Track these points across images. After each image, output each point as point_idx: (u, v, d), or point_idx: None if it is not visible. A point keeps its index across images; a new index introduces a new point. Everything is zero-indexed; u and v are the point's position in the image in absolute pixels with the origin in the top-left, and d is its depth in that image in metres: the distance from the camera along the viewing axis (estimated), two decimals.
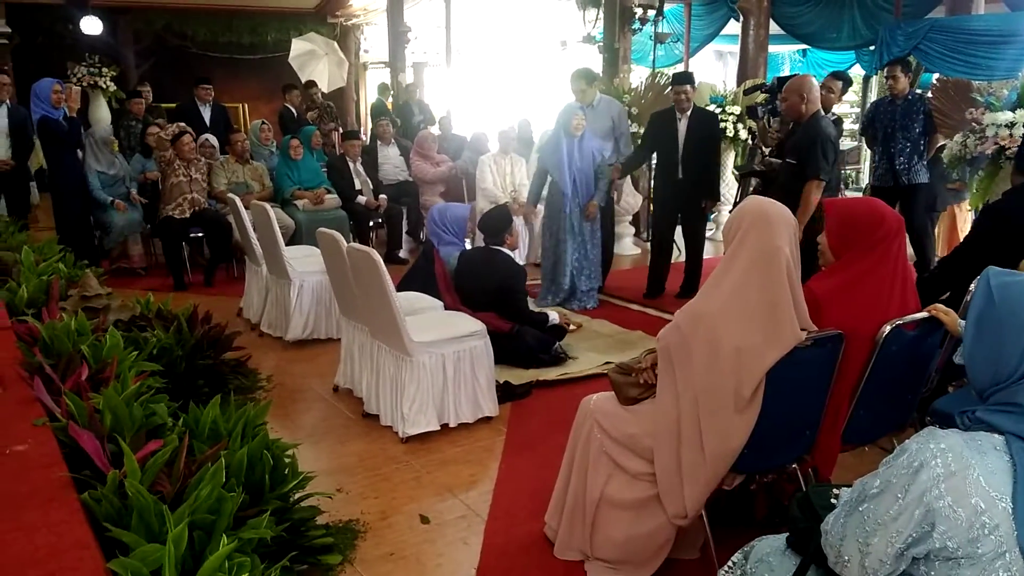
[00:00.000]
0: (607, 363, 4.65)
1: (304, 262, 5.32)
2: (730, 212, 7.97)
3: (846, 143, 12.75)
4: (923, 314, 2.64)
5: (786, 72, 13.64)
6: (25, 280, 3.79)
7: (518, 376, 4.50)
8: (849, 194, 12.58)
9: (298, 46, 11.99)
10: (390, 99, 11.93)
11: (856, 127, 13.92)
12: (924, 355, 2.81)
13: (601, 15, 9.75)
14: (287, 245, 5.58)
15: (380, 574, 2.75)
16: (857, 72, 13.17)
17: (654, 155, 6.44)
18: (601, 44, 9.70)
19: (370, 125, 12.06)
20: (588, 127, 6.07)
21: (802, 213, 4.70)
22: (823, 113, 4.71)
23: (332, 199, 7.48)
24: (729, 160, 8.71)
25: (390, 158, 8.54)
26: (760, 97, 6.86)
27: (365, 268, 3.82)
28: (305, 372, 4.81)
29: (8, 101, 6.76)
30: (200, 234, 7.02)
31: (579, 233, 6.08)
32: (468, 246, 5.44)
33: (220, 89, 9.29)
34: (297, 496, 2.64)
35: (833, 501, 1.72)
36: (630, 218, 8.51)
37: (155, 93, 9.45)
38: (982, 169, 5.56)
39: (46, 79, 6.64)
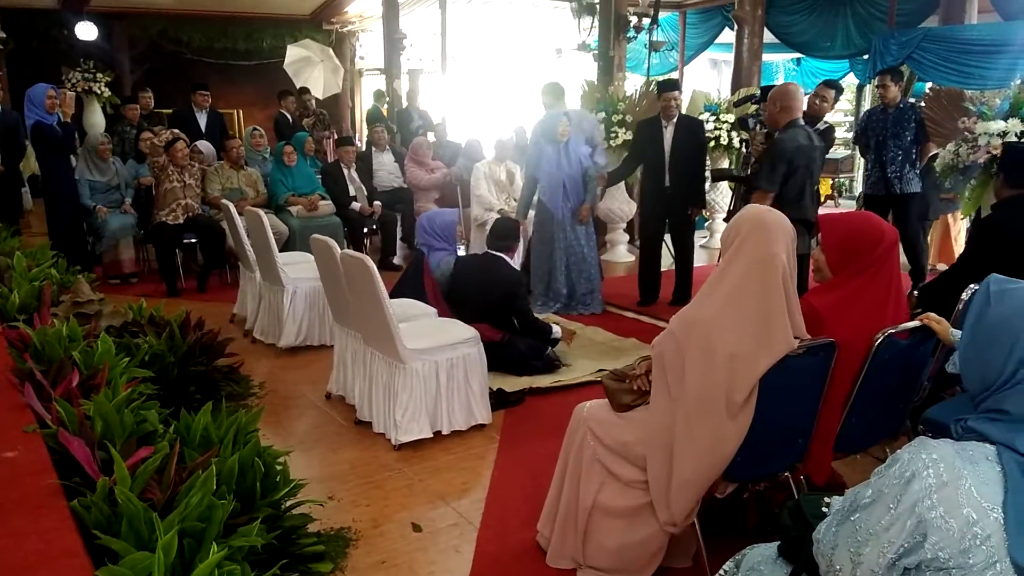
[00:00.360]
0: (601, 370, 4.65)
1: (298, 268, 5.31)
2: (724, 220, 8.06)
3: (839, 151, 12.81)
4: (915, 323, 2.64)
5: (780, 80, 13.69)
6: (17, 285, 3.76)
7: (511, 383, 4.50)
8: (843, 203, 12.66)
9: (293, 52, 11.99)
10: (386, 106, 11.93)
11: (850, 135, 13.99)
12: (916, 364, 2.82)
13: (596, 23, 9.78)
14: (281, 251, 5.57)
15: None
16: (851, 81, 13.25)
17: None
18: (596, 52, 9.73)
19: (366, 131, 12.07)
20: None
21: None
22: (800, 123, 4.69)
23: (326, 205, 7.48)
24: (723, 167, 8.73)
25: (385, 164, 8.54)
26: (751, 108, 6.89)
27: (359, 275, 3.81)
28: (298, 379, 4.80)
29: (0, 106, 6.74)
30: (193, 240, 7.01)
31: (573, 237, 6.10)
32: (461, 252, 5.44)
33: (215, 95, 9.29)
34: (288, 504, 2.62)
35: (824, 510, 1.73)
36: (624, 225, 8.53)
37: None
38: (974, 178, 5.58)
39: (40, 84, 6.62)
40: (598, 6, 9.66)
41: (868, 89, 8.50)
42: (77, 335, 3.05)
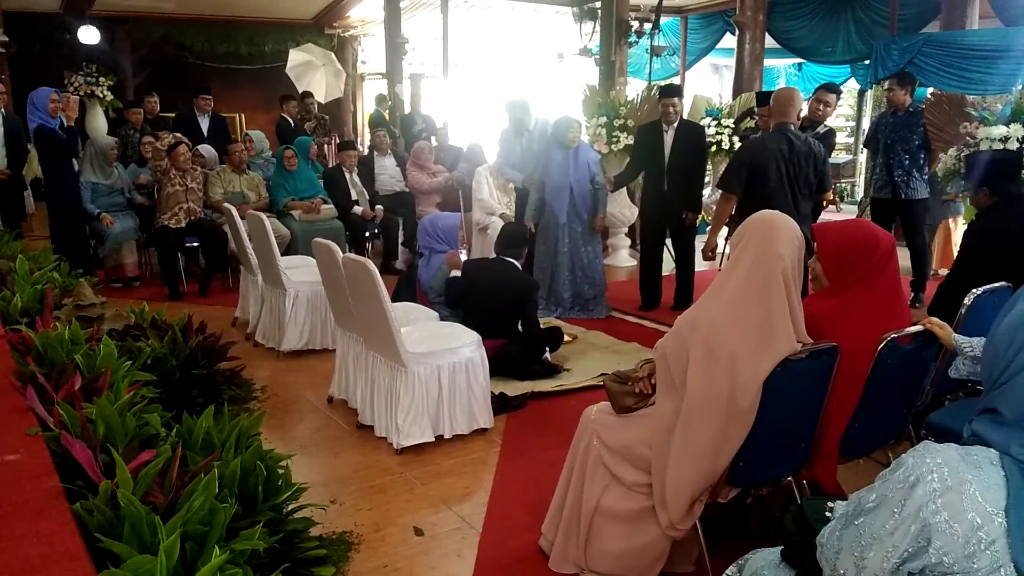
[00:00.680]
0: (602, 375, 4.65)
1: (299, 272, 5.31)
2: (708, 231, 8.06)
3: (840, 156, 12.82)
4: (918, 327, 2.64)
5: (781, 85, 13.70)
6: (19, 289, 3.77)
7: (513, 387, 4.50)
8: (845, 207, 12.66)
9: (295, 57, 12.02)
10: (388, 110, 11.95)
11: (851, 140, 14.01)
12: (919, 369, 2.82)
13: (598, 28, 9.81)
14: (283, 255, 5.57)
15: None
16: (853, 86, 13.27)
17: None
18: (597, 57, 9.75)
19: (368, 136, 12.08)
20: (524, 150, 6.25)
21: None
22: (788, 128, 4.68)
23: (328, 209, 7.48)
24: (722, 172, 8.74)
25: (386, 169, 8.55)
26: (749, 123, 6.92)
27: (361, 279, 3.81)
28: (299, 383, 4.79)
29: (3, 110, 6.75)
30: (196, 244, 7.01)
31: (579, 243, 6.11)
32: (463, 255, 5.44)
33: (217, 99, 9.31)
34: (290, 507, 2.62)
35: (828, 515, 1.72)
36: (625, 230, 8.54)
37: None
38: None
39: (43, 88, 6.63)
40: (600, 11, 9.68)
41: (869, 94, 8.51)
42: (79, 338, 3.05)
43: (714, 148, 8.25)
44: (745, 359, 2.33)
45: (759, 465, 2.52)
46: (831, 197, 5.02)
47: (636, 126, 7.82)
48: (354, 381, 4.21)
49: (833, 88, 6.22)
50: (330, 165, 8.59)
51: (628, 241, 8.65)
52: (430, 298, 4.85)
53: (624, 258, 8.46)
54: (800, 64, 14.12)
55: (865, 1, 10.29)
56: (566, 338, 5.33)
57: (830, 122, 6.53)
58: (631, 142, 7.80)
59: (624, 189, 7.69)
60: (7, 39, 8.41)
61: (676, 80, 12.83)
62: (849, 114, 14.52)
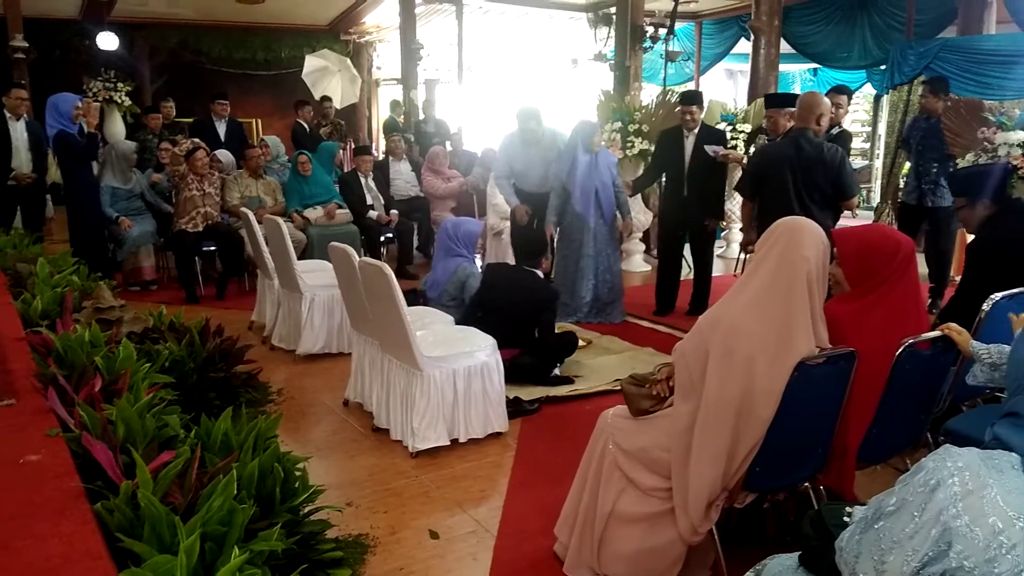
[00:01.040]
0: (617, 379, 4.64)
1: (316, 276, 5.34)
2: (740, 230, 8.04)
3: (856, 162, 12.75)
4: (936, 333, 2.63)
5: (796, 90, 13.64)
6: (39, 292, 3.81)
7: (528, 392, 4.50)
8: (861, 213, 12.57)
9: (311, 62, 12.08)
10: (402, 115, 12.00)
11: (866, 145, 13.93)
12: (937, 375, 2.81)
13: (612, 33, 9.82)
14: (299, 259, 5.60)
15: None
16: (869, 91, 13.21)
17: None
18: (612, 62, 9.75)
19: (383, 141, 12.13)
20: (538, 158, 6.24)
21: None
22: (806, 133, 4.63)
23: (344, 214, 7.52)
24: (738, 178, 8.72)
25: (402, 173, 8.59)
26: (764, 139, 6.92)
27: (377, 282, 3.83)
28: (315, 386, 4.82)
29: (26, 116, 6.83)
30: (213, 248, 7.06)
31: (604, 247, 6.13)
32: (478, 262, 5.45)
33: (234, 104, 9.37)
34: (307, 509, 2.64)
35: (846, 519, 1.71)
36: (640, 235, 8.53)
37: None
38: None
39: (67, 94, 6.71)
40: (614, 16, 9.69)
41: (885, 99, 8.47)
42: (99, 341, 3.08)
43: None
44: (762, 362, 2.33)
45: (776, 470, 2.52)
46: (855, 203, 4.91)
47: (651, 131, 7.84)
48: (370, 384, 4.22)
49: (844, 90, 6.20)
50: (345, 170, 8.63)
51: (643, 246, 8.64)
52: (443, 301, 4.86)
53: (639, 263, 8.45)
54: (815, 69, 14.05)
55: (881, 6, 10.24)
56: (580, 343, 5.33)
57: (844, 125, 6.52)
58: (646, 147, 7.81)
59: (639, 195, 7.69)
60: (27, 45, 8.48)
61: (691, 85, 12.82)
62: (865, 119, 14.44)
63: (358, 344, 4.38)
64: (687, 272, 6.60)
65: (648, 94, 10.02)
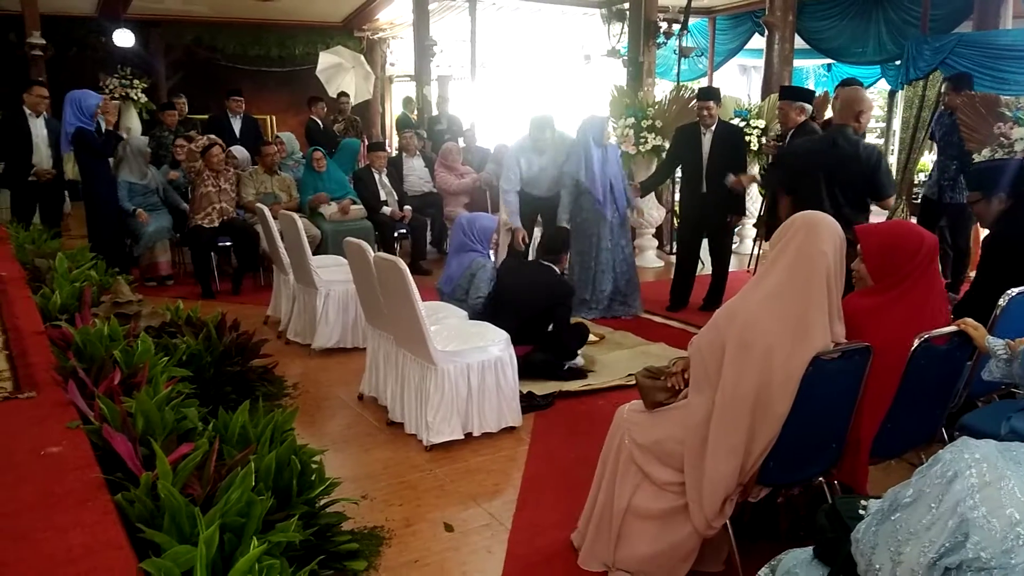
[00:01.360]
0: (630, 374, 4.65)
1: (331, 271, 5.36)
2: (754, 226, 8.02)
3: None
4: (952, 328, 2.63)
5: (810, 86, 13.57)
6: (58, 286, 3.85)
7: (541, 387, 4.51)
8: (875, 208, 12.50)
9: (325, 59, 12.11)
10: (415, 112, 12.01)
11: (880, 141, 13.83)
12: (953, 370, 2.80)
13: (626, 29, 9.80)
14: (313, 255, 5.63)
15: None
16: (883, 87, 13.11)
17: (678, 169, 6.49)
18: (625, 58, 9.73)
19: (395, 137, 12.15)
20: (549, 163, 6.29)
21: None
22: (845, 130, 4.52)
23: (358, 210, 7.55)
24: (753, 173, 8.68)
25: (415, 170, 8.61)
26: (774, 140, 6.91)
27: (391, 277, 3.85)
28: (330, 380, 4.84)
29: (46, 113, 6.89)
30: (228, 243, 7.10)
31: (619, 239, 6.15)
32: (492, 257, 5.46)
33: (248, 101, 9.41)
34: (323, 502, 2.66)
35: (861, 512, 1.72)
36: (653, 231, 8.52)
37: None
38: None
39: (88, 91, 6.76)
40: (628, 12, 9.67)
41: (900, 95, 8.40)
42: (118, 335, 3.10)
43: None
44: (779, 357, 2.33)
45: (790, 465, 2.52)
46: (892, 203, 4.80)
47: (664, 127, 7.81)
48: (384, 378, 4.25)
49: (852, 83, 6.17)
50: (360, 166, 8.66)
51: (655, 242, 8.63)
52: (457, 296, 4.87)
53: (651, 259, 8.44)
54: (830, 65, 13.97)
55: (896, 1, 10.17)
56: (593, 338, 5.33)
57: None
58: (659, 143, 7.79)
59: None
60: (44, 42, 8.55)
61: (704, 81, 12.78)
62: (879, 115, 14.34)
63: (373, 338, 4.41)
64: (701, 268, 6.59)
65: (661, 90, 9.98)
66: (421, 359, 3.88)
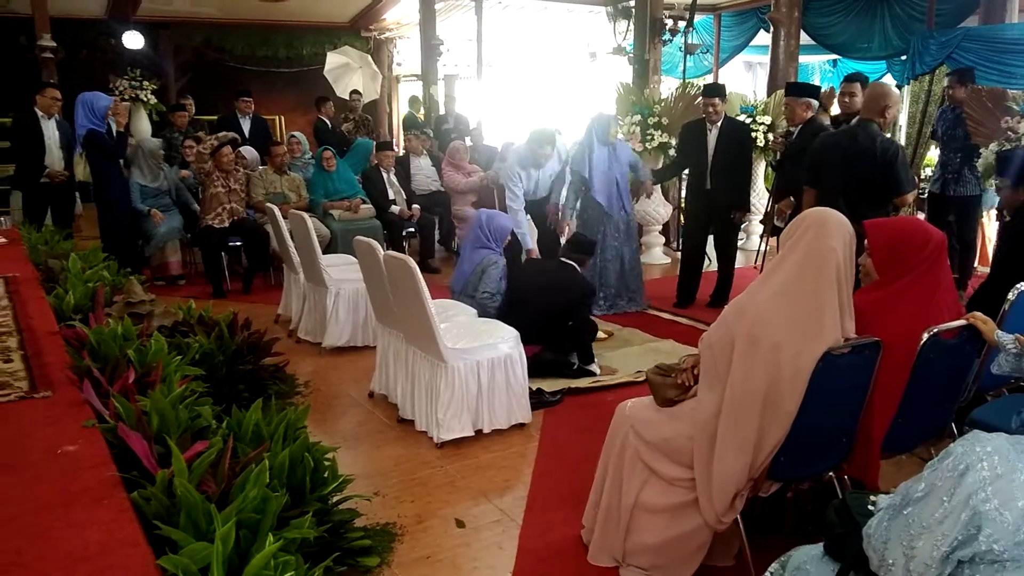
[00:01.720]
0: (638, 372, 4.67)
1: (341, 270, 5.38)
2: (760, 222, 8.01)
3: None
4: (961, 322, 2.63)
5: (816, 81, 13.52)
6: (72, 287, 3.88)
7: (550, 384, 4.52)
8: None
9: (333, 59, 12.13)
10: (421, 111, 12.03)
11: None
12: (962, 364, 2.80)
13: (631, 26, 9.79)
14: (323, 254, 5.65)
15: None
16: (889, 82, 13.05)
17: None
18: (631, 55, 9.72)
19: (402, 137, 12.16)
20: (545, 172, 6.32)
21: None
22: (870, 125, 4.46)
23: (367, 209, 7.58)
24: (760, 169, 8.68)
25: (422, 169, 8.65)
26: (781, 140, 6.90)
27: (401, 275, 3.87)
28: (341, 378, 4.87)
29: (58, 115, 6.93)
30: (238, 243, 7.13)
31: (626, 236, 6.17)
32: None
33: (257, 101, 9.45)
34: (336, 498, 2.68)
35: (870, 508, 1.72)
36: (660, 227, 8.52)
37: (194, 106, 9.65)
38: None
39: (100, 93, 6.80)
40: (633, 9, 9.66)
41: (907, 90, 8.38)
42: (131, 334, 3.13)
43: None
44: (788, 352, 2.33)
45: (801, 460, 2.53)
46: (909, 200, 4.74)
47: (671, 124, 7.82)
48: (395, 376, 4.26)
49: (855, 77, 6.12)
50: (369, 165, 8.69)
51: (662, 239, 8.63)
52: (468, 292, 4.88)
53: (658, 256, 8.44)
54: (835, 60, 13.91)
55: None
56: (601, 335, 5.34)
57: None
58: (665, 140, 7.79)
59: (658, 187, 7.69)
60: (54, 44, 8.60)
61: (710, 78, 12.75)
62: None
63: (383, 336, 4.43)
64: (707, 264, 6.59)
65: (667, 87, 9.97)
66: (431, 356, 3.89)
